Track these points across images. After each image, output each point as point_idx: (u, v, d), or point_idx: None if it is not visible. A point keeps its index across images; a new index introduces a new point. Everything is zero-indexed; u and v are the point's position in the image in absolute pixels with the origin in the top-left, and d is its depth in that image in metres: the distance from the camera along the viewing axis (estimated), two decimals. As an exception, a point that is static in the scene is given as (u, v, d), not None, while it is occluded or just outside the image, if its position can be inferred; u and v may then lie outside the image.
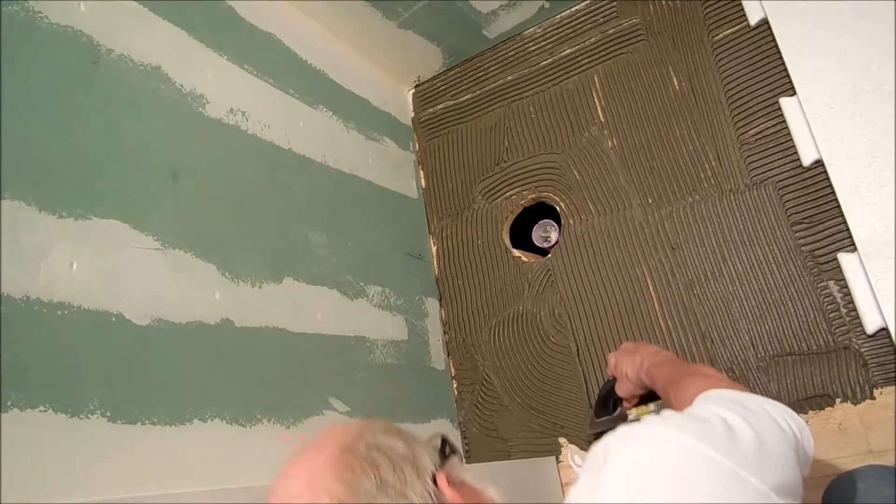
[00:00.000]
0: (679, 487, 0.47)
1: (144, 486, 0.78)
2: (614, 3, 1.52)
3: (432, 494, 0.53)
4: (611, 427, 0.59)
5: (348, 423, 0.59)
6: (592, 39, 1.53)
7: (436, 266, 1.64)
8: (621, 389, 1.03)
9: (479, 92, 1.68)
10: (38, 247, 0.76)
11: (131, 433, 0.79)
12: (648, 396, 1.03)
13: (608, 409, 1.14)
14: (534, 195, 1.55)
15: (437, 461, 0.57)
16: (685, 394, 0.69)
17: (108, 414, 0.78)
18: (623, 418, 1.11)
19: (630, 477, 0.49)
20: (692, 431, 0.50)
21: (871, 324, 1.07)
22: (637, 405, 1.07)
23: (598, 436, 0.60)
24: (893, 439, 1.08)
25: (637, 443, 0.52)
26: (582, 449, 1.35)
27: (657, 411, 1.01)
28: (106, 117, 0.90)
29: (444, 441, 0.59)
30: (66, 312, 0.77)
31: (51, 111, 0.83)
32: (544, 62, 1.59)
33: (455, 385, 1.53)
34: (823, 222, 1.20)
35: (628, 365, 0.98)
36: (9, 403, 0.68)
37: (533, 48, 1.62)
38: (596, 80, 1.51)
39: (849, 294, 1.12)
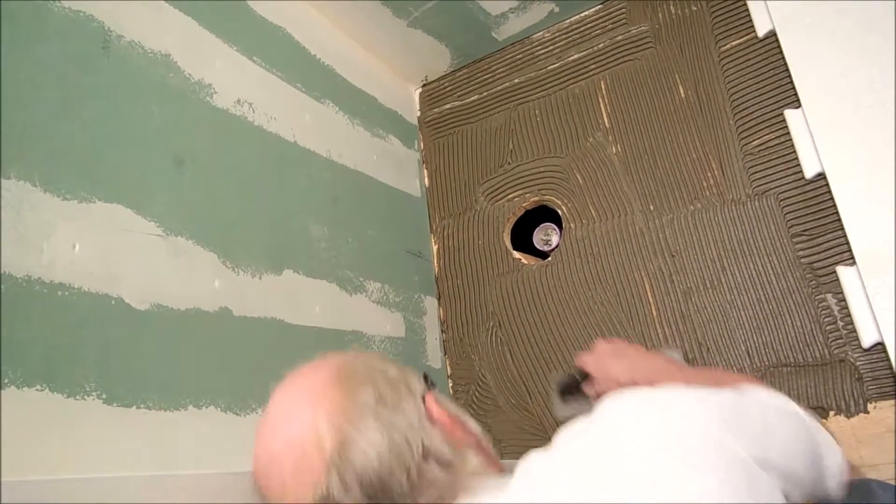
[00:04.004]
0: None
1: (137, 468, 0.78)
2: (623, 10, 1.52)
3: (422, 411, 0.58)
4: (586, 409, 0.59)
5: (342, 352, 0.63)
6: (601, 45, 1.54)
7: (436, 265, 1.65)
8: (595, 388, 0.99)
9: (485, 93, 1.69)
10: (41, 227, 0.77)
11: (126, 416, 0.80)
12: None
13: (573, 395, 1.07)
14: (536, 198, 1.55)
15: (425, 387, 0.62)
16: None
17: (104, 396, 0.78)
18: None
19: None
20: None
21: (867, 338, 1.07)
22: None
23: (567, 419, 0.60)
24: (885, 454, 1.08)
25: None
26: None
27: None
28: (113, 102, 0.91)
29: (426, 375, 0.65)
30: (67, 293, 0.77)
31: (59, 94, 0.84)
32: (552, 66, 1.60)
33: (451, 384, 1.54)
34: (823, 235, 1.20)
35: (616, 368, 0.95)
36: (6, 381, 0.69)
37: (541, 52, 1.62)
38: (602, 85, 1.51)
39: (846, 307, 1.13)
